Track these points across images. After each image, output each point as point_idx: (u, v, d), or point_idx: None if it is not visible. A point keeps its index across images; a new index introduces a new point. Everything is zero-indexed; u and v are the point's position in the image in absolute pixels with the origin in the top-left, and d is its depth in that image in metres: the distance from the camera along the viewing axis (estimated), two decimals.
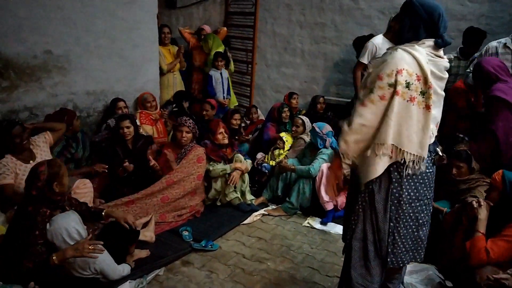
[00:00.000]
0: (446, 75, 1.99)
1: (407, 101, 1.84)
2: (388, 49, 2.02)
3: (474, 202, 2.51)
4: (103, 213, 2.74)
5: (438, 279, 2.81)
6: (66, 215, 2.37)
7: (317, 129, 3.99)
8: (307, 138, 4.40)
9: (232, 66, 6.17)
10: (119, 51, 4.33)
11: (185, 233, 3.35)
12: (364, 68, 4.53)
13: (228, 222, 3.65)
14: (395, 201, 1.98)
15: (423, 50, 1.88)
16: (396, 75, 1.82)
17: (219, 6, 6.87)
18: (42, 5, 3.60)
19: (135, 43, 4.47)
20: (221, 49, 5.85)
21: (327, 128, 4.00)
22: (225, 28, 6.34)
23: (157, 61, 4.87)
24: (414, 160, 1.90)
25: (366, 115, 1.88)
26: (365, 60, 4.37)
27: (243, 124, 5.37)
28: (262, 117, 5.71)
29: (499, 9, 4.79)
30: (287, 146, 4.55)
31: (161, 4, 5.58)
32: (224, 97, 5.80)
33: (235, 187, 3.98)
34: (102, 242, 2.35)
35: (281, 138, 4.56)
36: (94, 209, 2.79)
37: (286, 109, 4.90)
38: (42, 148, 3.20)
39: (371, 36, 5.43)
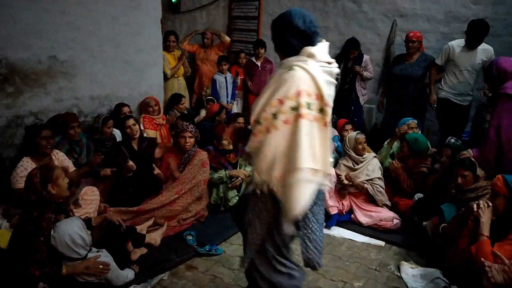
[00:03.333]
0: (335, 82, 1.95)
1: (311, 121, 1.77)
2: (281, 65, 1.95)
3: (475, 206, 2.50)
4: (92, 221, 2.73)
5: (443, 283, 2.79)
6: (70, 221, 2.37)
7: None
8: None
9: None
10: (123, 56, 4.35)
11: (189, 237, 3.35)
12: (437, 69, 4.69)
13: (232, 226, 3.61)
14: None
15: (316, 64, 1.83)
16: (297, 97, 1.75)
17: (223, 11, 6.89)
18: (47, 10, 3.63)
19: (139, 48, 4.49)
20: None
21: (333, 132, 3.99)
22: (228, 39, 6.13)
23: (161, 65, 4.88)
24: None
25: (272, 142, 1.79)
26: (438, 61, 4.60)
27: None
28: None
29: (503, 11, 4.78)
30: None
31: (165, 9, 5.60)
32: (228, 101, 5.80)
33: (238, 192, 3.99)
34: (109, 264, 2.44)
35: None
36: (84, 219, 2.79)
37: None
38: (61, 162, 3.23)
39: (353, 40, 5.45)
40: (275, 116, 1.78)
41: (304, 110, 1.75)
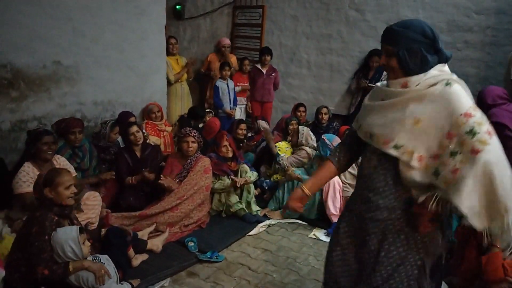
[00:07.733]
0: None
1: None
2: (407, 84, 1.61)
3: None
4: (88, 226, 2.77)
5: None
6: (69, 231, 2.33)
7: (327, 141, 3.96)
8: (309, 150, 4.42)
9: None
10: (127, 61, 4.38)
11: (191, 244, 3.34)
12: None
13: (233, 233, 3.64)
14: None
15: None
16: (476, 109, 1.49)
17: (226, 18, 6.93)
18: (52, 16, 3.66)
19: (143, 54, 4.52)
20: None
21: (337, 140, 3.97)
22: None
23: (165, 71, 4.91)
24: None
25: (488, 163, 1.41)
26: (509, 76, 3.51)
27: (249, 134, 5.38)
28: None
29: (506, 21, 4.78)
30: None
31: (169, 16, 5.63)
32: (231, 107, 5.81)
33: (240, 198, 3.98)
34: (111, 276, 2.44)
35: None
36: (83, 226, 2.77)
37: (294, 122, 4.90)
38: (62, 167, 3.21)
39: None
40: (471, 131, 1.43)
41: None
